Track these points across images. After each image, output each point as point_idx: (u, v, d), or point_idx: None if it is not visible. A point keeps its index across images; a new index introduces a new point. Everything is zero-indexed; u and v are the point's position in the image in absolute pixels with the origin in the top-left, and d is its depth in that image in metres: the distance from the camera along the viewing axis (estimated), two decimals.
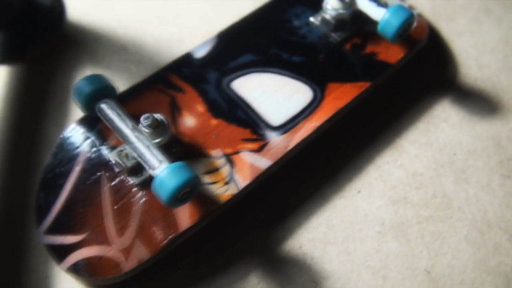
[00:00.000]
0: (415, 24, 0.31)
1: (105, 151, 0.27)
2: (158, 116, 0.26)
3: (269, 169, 0.27)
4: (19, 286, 0.27)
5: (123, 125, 0.25)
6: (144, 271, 0.26)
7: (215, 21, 0.37)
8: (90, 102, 0.26)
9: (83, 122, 0.29)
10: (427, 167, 0.31)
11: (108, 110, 0.25)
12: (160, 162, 0.23)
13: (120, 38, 0.36)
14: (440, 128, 0.32)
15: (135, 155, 0.25)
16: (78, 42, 0.36)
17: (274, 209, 0.29)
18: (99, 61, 0.35)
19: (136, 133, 0.24)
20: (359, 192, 0.30)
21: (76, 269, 0.25)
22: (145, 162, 0.24)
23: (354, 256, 0.28)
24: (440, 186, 0.30)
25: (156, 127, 0.25)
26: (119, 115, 0.25)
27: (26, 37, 0.36)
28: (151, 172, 0.24)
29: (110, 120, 0.25)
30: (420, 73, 0.35)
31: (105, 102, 0.26)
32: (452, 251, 0.28)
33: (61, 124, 0.32)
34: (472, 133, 0.32)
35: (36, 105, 0.34)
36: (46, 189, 0.27)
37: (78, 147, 0.28)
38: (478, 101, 0.34)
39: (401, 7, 0.29)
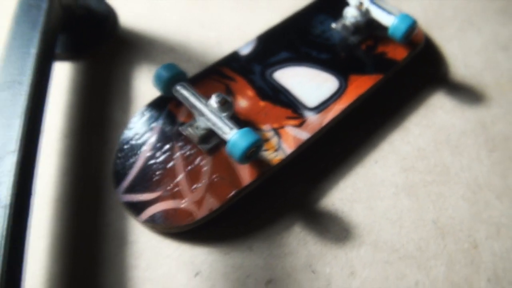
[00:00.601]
0: (416, 30, 0.40)
1: (176, 125, 0.34)
2: (225, 95, 0.33)
3: (308, 140, 0.34)
4: (98, 238, 0.33)
5: (198, 101, 0.32)
6: (209, 221, 0.32)
7: (246, 28, 0.44)
8: (168, 85, 0.32)
9: (153, 104, 0.36)
10: (429, 144, 0.38)
11: (184, 90, 0.32)
12: (231, 128, 0.30)
13: (168, 41, 0.43)
14: (437, 114, 0.40)
15: (208, 125, 0.31)
16: (133, 44, 0.43)
17: (311, 174, 0.36)
18: (152, 59, 0.42)
19: (209, 108, 0.31)
20: (376, 162, 0.37)
21: (153, 220, 0.32)
22: (218, 129, 0.31)
23: (375, 211, 0.35)
24: (439, 158, 0.38)
25: (224, 104, 0.32)
26: (193, 94, 0.32)
27: (86, 39, 0.43)
28: (224, 136, 0.30)
29: (186, 98, 0.32)
30: (419, 70, 0.43)
31: (180, 84, 0.32)
32: (452, 207, 0.35)
33: (126, 109, 0.39)
34: (463, 118, 0.40)
35: (101, 94, 0.40)
36: (123, 157, 0.34)
37: (151, 123, 0.35)
38: (466, 93, 0.42)
39: (407, 15, 0.37)
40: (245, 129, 0.30)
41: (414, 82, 0.42)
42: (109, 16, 0.45)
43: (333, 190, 0.36)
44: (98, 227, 0.33)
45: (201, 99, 0.32)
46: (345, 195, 0.35)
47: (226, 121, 0.31)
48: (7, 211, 0.27)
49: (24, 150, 0.29)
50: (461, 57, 0.44)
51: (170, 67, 0.33)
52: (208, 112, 0.31)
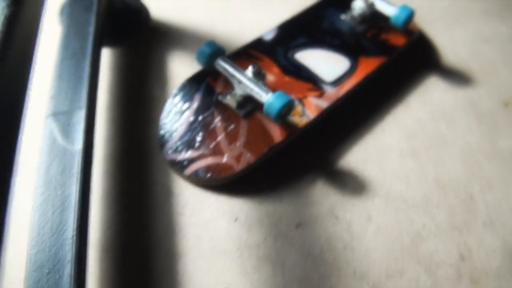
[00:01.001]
0: (413, 20, 0.47)
1: (214, 95, 0.40)
2: (259, 66, 0.38)
3: (327, 108, 0.40)
4: (148, 193, 0.38)
5: (237, 71, 0.37)
6: (244, 175, 0.38)
7: (265, 20, 0.50)
8: (210, 59, 0.38)
9: (193, 78, 0.41)
10: (426, 117, 0.45)
11: (224, 62, 0.38)
12: (267, 92, 0.36)
13: (195, 31, 0.49)
14: (432, 93, 0.47)
15: (246, 91, 0.37)
16: (164, 34, 0.49)
17: (329, 140, 0.42)
18: (183, 46, 0.48)
19: (247, 76, 0.37)
20: (383, 131, 0.43)
21: (196, 174, 0.37)
22: (256, 93, 0.36)
23: (385, 170, 0.41)
24: (436, 128, 0.44)
25: (259, 73, 0.38)
26: (232, 65, 0.38)
27: (124, 29, 0.49)
28: (261, 99, 0.36)
29: (226, 69, 0.38)
30: (416, 58, 0.50)
31: (221, 58, 0.38)
32: (449, 167, 0.41)
33: (162, 87, 0.44)
34: (454, 96, 0.47)
35: (139, 75, 0.45)
36: (168, 122, 0.39)
37: (192, 94, 0.40)
38: (456, 76, 0.49)
39: (406, 6, 0.44)
40: (279, 92, 0.36)
41: (412, 67, 0.49)
42: (142, 10, 0.50)
43: (348, 153, 0.41)
44: (147, 184, 0.38)
45: (239, 69, 0.38)
46: (359, 157, 0.41)
47: (263, 86, 0.36)
48: (80, 155, 0.32)
49: (88, 107, 0.35)
50: (450, 48, 0.51)
51: (211, 44, 0.38)
52: (247, 80, 0.37)
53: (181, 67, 0.46)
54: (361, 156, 0.41)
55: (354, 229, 0.37)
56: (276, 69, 0.42)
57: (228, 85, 0.40)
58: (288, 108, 0.36)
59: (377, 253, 0.36)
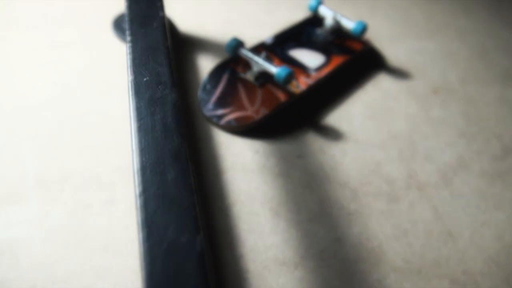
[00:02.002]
0: (367, 32, 0.68)
1: (237, 74, 0.59)
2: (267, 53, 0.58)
3: (313, 84, 0.60)
4: (194, 141, 0.55)
5: (255, 55, 0.57)
6: (261, 124, 0.56)
7: (262, 34, 0.71)
8: (235, 48, 0.57)
9: (220, 65, 0.60)
10: (379, 96, 0.65)
11: (246, 50, 0.57)
12: (276, 67, 0.55)
13: (213, 39, 0.69)
14: (382, 83, 0.68)
15: (261, 68, 0.56)
16: (192, 41, 0.68)
17: (317, 106, 0.61)
18: (207, 49, 0.67)
19: (261, 58, 0.56)
20: (351, 104, 0.63)
21: (229, 123, 0.55)
22: (268, 68, 0.56)
23: (354, 126, 0.60)
24: (386, 103, 0.64)
25: (268, 58, 0.57)
26: (251, 52, 0.57)
27: None
28: (272, 71, 0.55)
29: (247, 54, 0.57)
30: (371, 61, 0.71)
31: (243, 48, 0.58)
32: (397, 124, 0.61)
33: (195, 73, 0.63)
34: (397, 85, 0.68)
35: (179, 69, 0.64)
36: (206, 91, 0.57)
37: (221, 74, 0.59)
38: (398, 73, 0.70)
39: (361, 21, 0.66)
40: (284, 66, 0.55)
41: (369, 67, 0.70)
42: (173, 27, 0.70)
43: (329, 116, 0.61)
44: (193, 135, 0.56)
45: (256, 55, 0.57)
46: (336, 118, 0.61)
47: (273, 63, 0.56)
48: (176, 108, 0.49)
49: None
50: (393, 55, 0.73)
51: (236, 39, 0.58)
52: (261, 60, 0.56)
53: (205, 62, 0.65)
54: (338, 117, 0.61)
55: (336, 159, 0.56)
56: (277, 60, 0.62)
57: (246, 68, 0.59)
58: (290, 76, 0.55)
59: (353, 172, 0.54)
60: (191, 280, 0.27)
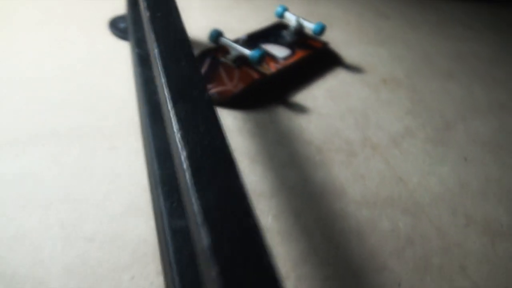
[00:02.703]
0: (325, 32, 0.82)
1: (217, 58, 0.70)
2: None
3: (280, 69, 0.71)
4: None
5: (233, 43, 0.68)
6: (239, 98, 0.67)
7: (238, 31, 0.83)
8: (217, 37, 0.69)
9: (203, 52, 0.71)
10: (337, 84, 0.78)
11: (225, 38, 0.69)
12: (250, 50, 0.67)
13: (196, 37, 0.81)
14: (339, 75, 0.80)
15: (239, 51, 0.68)
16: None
17: (287, 88, 0.72)
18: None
19: (239, 45, 0.68)
20: (314, 89, 0.75)
21: (213, 95, 0.65)
22: (244, 51, 0.67)
23: (317, 104, 0.71)
24: (343, 88, 0.77)
25: (244, 43, 0.69)
26: (229, 39, 0.69)
27: None
28: (247, 54, 0.67)
29: (227, 42, 0.69)
30: (329, 58, 0.84)
31: (223, 37, 0.69)
32: (353, 103, 0.73)
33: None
34: (351, 77, 0.81)
35: None
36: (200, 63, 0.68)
37: (204, 58, 0.70)
38: (353, 69, 0.83)
39: (321, 22, 0.79)
40: (257, 49, 0.67)
41: (328, 64, 0.83)
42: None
43: (296, 96, 0.72)
44: None
45: (234, 41, 0.69)
46: (302, 99, 0.72)
47: (247, 49, 0.68)
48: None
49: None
50: (349, 56, 0.87)
51: (216, 29, 0.70)
52: (238, 46, 0.68)
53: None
54: (303, 97, 0.72)
55: (303, 125, 0.66)
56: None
57: (225, 54, 0.71)
58: (262, 56, 0.67)
59: (317, 135, 0.65)
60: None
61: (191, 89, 0.34)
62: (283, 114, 0.68)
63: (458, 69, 0.91)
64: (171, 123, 0.28)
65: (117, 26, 0.76)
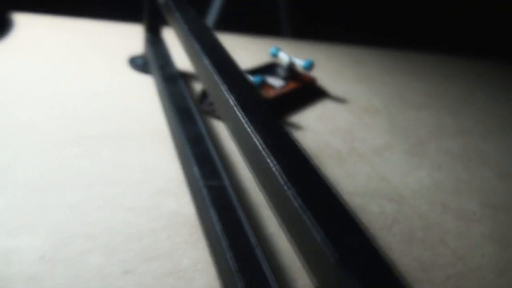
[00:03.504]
0: (314, 68, 0.96)
1: None
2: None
3: (277, 95, 0.84)
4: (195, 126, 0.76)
5: None
6: None
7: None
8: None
9: None
10: (326, 111, 0.90)
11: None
12: (253, 77, 0.80)
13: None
14: (326, 105, 0.94)
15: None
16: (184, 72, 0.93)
17: (282, 114, 0.85)
18: (192, 76, 0.91)
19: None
20: (306, 113, 0.88)
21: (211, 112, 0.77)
22: (248, 78, 0.80)
23: (308, 126, 0.84)
24: (330, 114, 0.90)
25: (247, 73, 0.82)
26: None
27: None
28: (251, 79, 0.80)
29: None
30: (316, 91, 0.98)
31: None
32: (342, 121, 0.86)
33: (193, 90, 0.86)
34: (337, 106, 0.94)
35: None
36: (202, 96, 0.80)
37: None
38: (337, 100, 0.97)
39: (310, 59, 0.94)
40: (258, 76, 0.80)
41: (316, 95, 0.97)
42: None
43: (290, 118, 0.84)
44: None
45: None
46: (296, 120, 0.84)
47: (249, 76, 0.81)
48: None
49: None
50: (333, 91, 1.01)
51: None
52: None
53: (196, 83, 0.89)
54: (297, 119, 0.84)
55: (299, 139, 0.78)
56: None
57: None
58: (262, 81, 0.80)
59: (311, 146, 0.77)
60: None
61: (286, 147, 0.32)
62: None
63: (428, 103, 1.05)
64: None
65: (135, 62, 0.89)
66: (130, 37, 1.06)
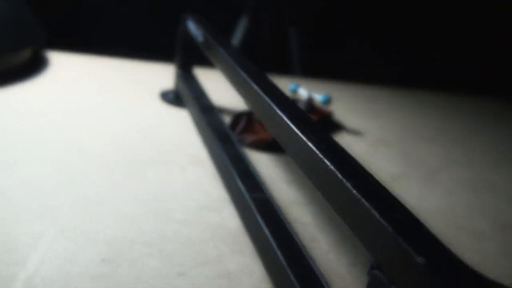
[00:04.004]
0: (331, 102, 1.05)
1: (252, 117, 0.91)
2: None
3: None
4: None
5: None
6: (270, 146, 0.86)
7: None
8: None
9: (239, 114, 0.92)
10: (342, 142, 0.99)
11: None
12: None
13: (226, 106, 1.02)
14: (343, 138, 1.02)
15: None
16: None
17: None
18: (225, 110, 1.00)
19: None
20: None
21: (252, 142, 0.85)
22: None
23: None
24: (348, 145, 0.97)
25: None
26: None
27: None
28: None
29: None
30: (333, 123, 1.06)
31: None
32: (355, 150, 0.93)
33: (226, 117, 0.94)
34: (353, 137, 1.02)
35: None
36: (232, 127, 0.88)
37: (241, 117, 0.91)
38: (352, 133, 1.05)
39: (327, 95, 1.02)
40: None
41: (333, 127, 1.05)
42: None
43: None
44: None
45: None
46: None
47: None
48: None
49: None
50: (348, 124, 1.09)
51: None
52: None
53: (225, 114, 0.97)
54: None
55: None
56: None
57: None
58: None
59: None
60: None
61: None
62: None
63: (437, 137, 1.13)
64: None
65: (167, 97, 0.97)
66: (159, 74, 1.15)
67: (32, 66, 1.06)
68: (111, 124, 0.85)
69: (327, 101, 1.01)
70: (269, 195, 0.57)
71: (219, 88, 0.98)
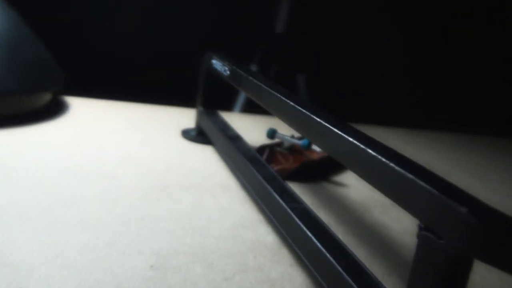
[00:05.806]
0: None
1: (275, 148, 0.98)
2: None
3: (321, 158, 0.99)
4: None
5: (283, 139, 0.97)
6: (294, 175, 0.92)
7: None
8: (272, 134, 0.98)
9: (262, 146, 0.99)
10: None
11: (279, 134, 0.98)
12: (299, 140, 0.96)
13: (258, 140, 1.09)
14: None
15: (290, 143, 0.96)
16: None
17: (325, 173, 0.99)
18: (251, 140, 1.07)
19: (290, 138, 0.97)
20: (347, 178, 1.02)
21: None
22: (295, 142, 0.96)
23: (361, 185, 0.97)
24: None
25: (293, 137, 0.98)
26: (282, 137, 0.98)
27: None
28: (299, 143, 0.95)
29: (281, 136, 0.98)
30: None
31: (278, 133, 0.99)
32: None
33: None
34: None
35: None
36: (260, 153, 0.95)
37: (265, 149, 0.98)
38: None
39: (306, 139, 1.09)
40: (305, 139, 0.96)
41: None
42: None
43: (334, 178, 0.98)
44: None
45: (283, 139, 0.98)
46: (338, 179, 0.98)
47: (296, 140, 0.96)
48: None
49: None
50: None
51: (272, 128, 0.99)
52: (291, 138, 0.97)
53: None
54: (341, 179, 0.98)
55: (346, 192, 0.91)
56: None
57: (279, 145, 0.99)
58: (310, 144, 0.95)
59: (359, 198, 0.90)
60: None
61: None
62: (328, 186, 0.93)
63: (453, 170, 1.20)
64: None
65: (188, 134, 1.05)
66: (176, 116, 1.24)
67: (53, 108, 1.14)
68: (138, 157, 0.91)
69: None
70: (306, 205, 0.63)
71: (237, 127, 1.06)
